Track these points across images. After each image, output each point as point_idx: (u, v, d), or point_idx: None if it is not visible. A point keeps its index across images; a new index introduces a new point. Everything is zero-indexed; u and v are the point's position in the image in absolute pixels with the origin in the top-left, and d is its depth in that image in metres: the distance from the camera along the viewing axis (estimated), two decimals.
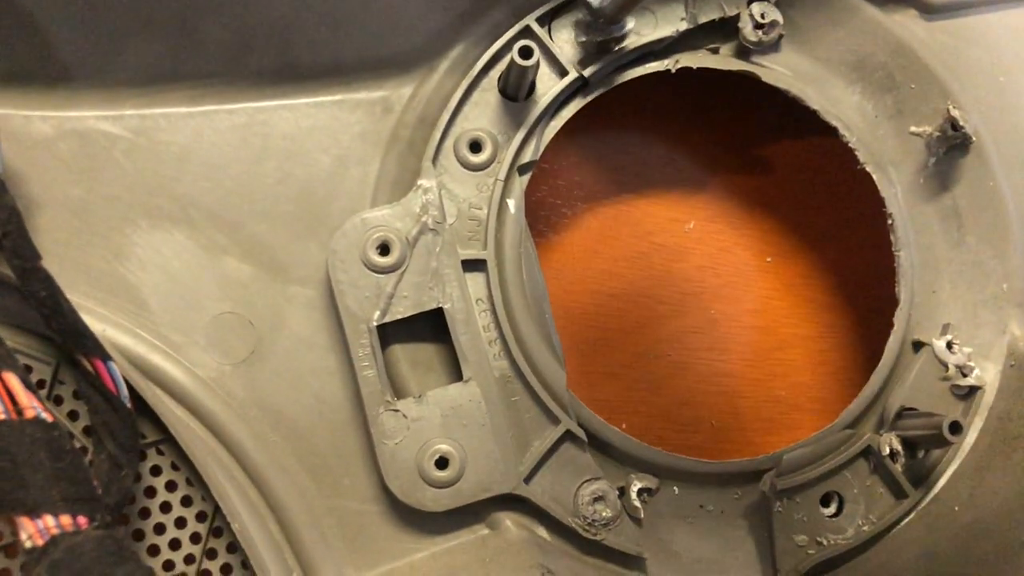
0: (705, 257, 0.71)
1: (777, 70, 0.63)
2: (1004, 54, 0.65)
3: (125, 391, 0.50)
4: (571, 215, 0.70)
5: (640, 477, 0.58)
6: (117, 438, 0.50)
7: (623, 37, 0.58)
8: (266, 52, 0.59)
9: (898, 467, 0.59)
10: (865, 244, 0.66)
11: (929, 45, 0.64)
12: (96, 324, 0.53)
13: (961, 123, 0.60)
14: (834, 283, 0.73)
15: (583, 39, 0.59)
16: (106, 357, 0.49)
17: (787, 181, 0.73)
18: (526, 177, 0.59)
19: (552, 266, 0.69)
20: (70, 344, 0.49)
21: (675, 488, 0.59)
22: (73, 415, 0.53)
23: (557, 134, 0.60)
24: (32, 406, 0.45)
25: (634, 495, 0.57)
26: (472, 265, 0.57)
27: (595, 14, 0.56)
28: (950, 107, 0.61)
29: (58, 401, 0.53)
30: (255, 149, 0.58)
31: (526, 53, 0.55)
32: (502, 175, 0.58)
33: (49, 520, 0.43)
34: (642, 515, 0.57)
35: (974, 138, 0.61)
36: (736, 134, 0.73)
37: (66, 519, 0.44)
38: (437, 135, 0.58)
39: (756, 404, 0.70)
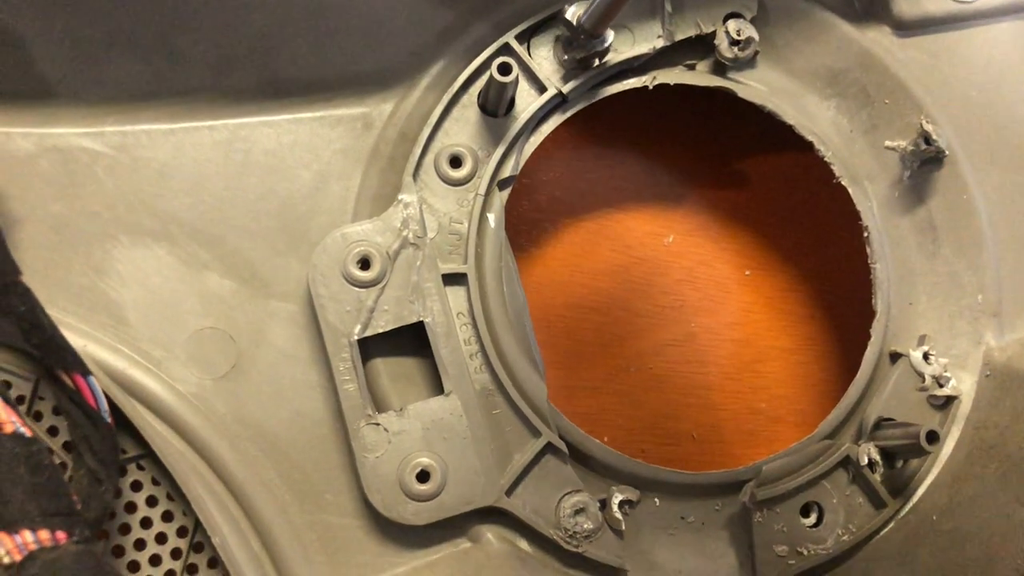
0: (684, 271, 0.72)
1: (753, 86, 0.64)
2: (975, 69, 0.66)
3: (105, 406, 0.50)
4: (552, 229, 0.71)
5: (621, 489, 0.58)
6: (97, 453, 0.50)
7: (602, 54, 0.59)
8: (247, 69, 0.60)
9: (876, 477, 0.59)
10: (843, 257, 0.67)
11: (902, 61, 0.65)
12: (77, 339, 0.53)
13: (934, 137, 0.61)
14: (813, 296, 0.73)
15: (562, 56, 0.59)
16: (86, 372, 0.49)
17: (765, 195, 0.74)
18: (506, 192, 0.59)
19: (534, 280, 0.70)
20: (50, 359, 0.49)
21: (656, 500, 0.59)
22: (53, 431, 0.52)
23: (538, 149, 0.61)
24: (11, 421, 0.45)
25: (615, 507, 0.57)
26: (453, 279, 0.57)
27: (573, 30, 0.57)
28: (923, 121, 0.62)
29: (38, 417, 0.52)
30: (236, 165, 0.58)
31: (505, 70, 0.55)
32: (482, 190, 0.58)
33: (27, 535, 0.43)
34: (623, 527, 0.57)
35: (947, 152, 0.62)
36: (714, 149, 0.73)
37: (44, 534, 0.43)
38: (418, 150, 0.58)
39: (736, 416, 0.70)
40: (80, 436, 0.50)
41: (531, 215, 0.70)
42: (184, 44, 0.59)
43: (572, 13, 0.57)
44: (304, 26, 0.61)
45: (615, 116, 0.63)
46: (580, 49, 0.59)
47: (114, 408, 0.51)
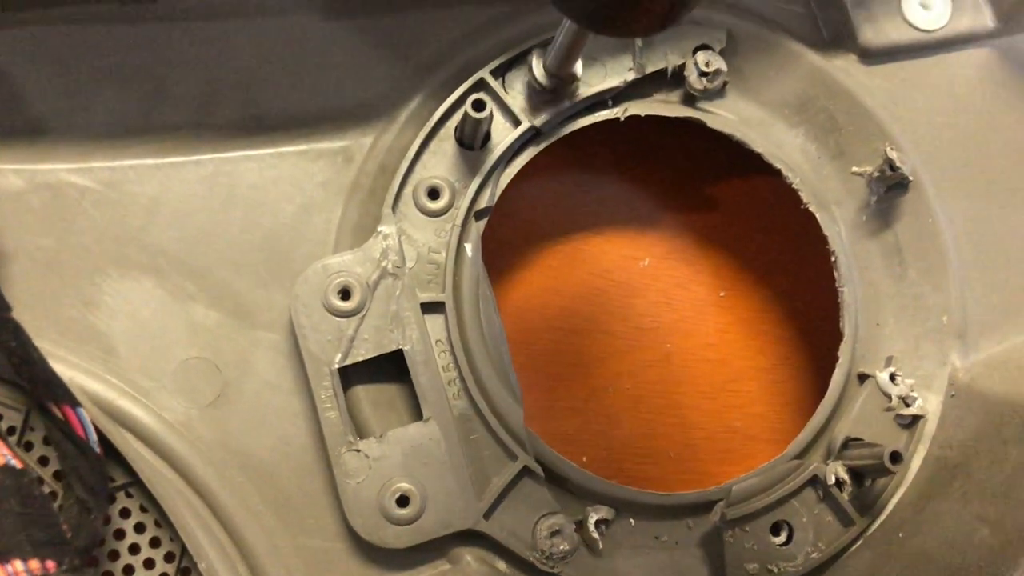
0: (660, 293, 0.73)
1: (723, 115, 0.66)
2: (939, 96, 0.68)
3: (94, 436, 0.51)
4: (530, 254, 0.73)
5: (596, 509, 0.59)
6: (86, 482, 0.51)
7: (573, 90, 0.61)
8: (231, 104, 0.62)
9: (844, 496, 0.61)
10: (814, 278, 0.69)
11: (869, 89, 0.67)
12: (66, 371, 0.55)
13: (898, 164, 0.63)
14: (786, 316, 0.75)
15: (535, 91, 0.61)
16: (75, 404, 0.51)
17: (737, 218, 0.76)
18: (483, 222, 0.61)
19: (512, 303, 0.71)
20: (40, 392, 0.51)
21: (631, 520, 0.61)
22: (43, 460, 0.54)
23: (516, 176, 0.62)
24: (2, 454, 0.47)
25: (592, 526, 0.59)
26: (431, 307, 0.59)
27: (540, 84, 0.59)
28: (887, 148, 0.64)
29: (28, 447, 0.54)
30: (221, 199, 0.60)
31: (479, 106, 0.57)
32: (459, 221, 0.60)
33: (18, 565, 0.45)
34: (601, 546, 0.59)
35: (911, 178, 0.64)
36: (687, 174, 0.75)
37: (35, 563, 0.45)
38: (396, 183, 0.60)
39: (713, 435, 0.72)
40: (70, 466, 0.51)
41: (509, 240, 0.72)
42: (171, 81, 0.61)
43: (536, 63, 0.59)
44: (285, 62, 0.63)
45: (590, 144, 0.65)
46: (552, 88, 0.60)
47: (103, 438, 0.52)
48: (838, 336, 0.64)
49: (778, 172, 0.64)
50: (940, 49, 0.68)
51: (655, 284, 0.73)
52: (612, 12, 0.40)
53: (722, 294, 0.75)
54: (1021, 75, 0.68)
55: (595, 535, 0.58)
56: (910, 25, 0.68)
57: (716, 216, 0.76)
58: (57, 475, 0.54)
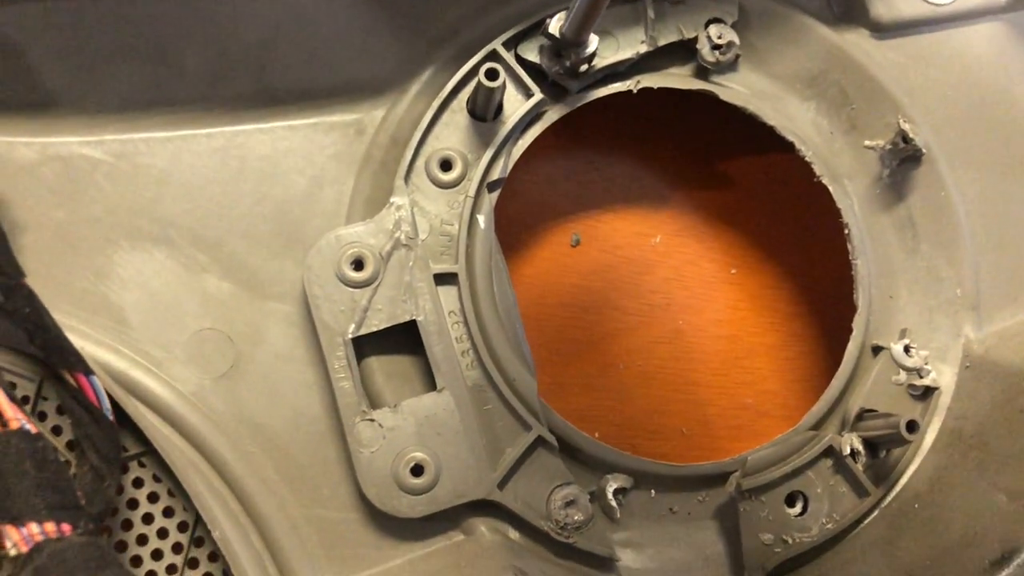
0: (672, 270, 0.73)
1: (735, 88, 0.65)
2: (951, 70, 0.68)
3: (108, 404, 0.51)
4: (542, 230, 0.72)
5: (615, 477, 0.59)
6: (100, 450, 0.51)
7: (587, 59, 0.61)
8: (243, 78, 0.62)
9: (859, 466, 0.61)
10: (826, 254, 0.69)
11: (880, 63, 0.67)
12: (79, 342, 0.54)
13: (911, 136, 0.63)
14: (797, 292, 0.75)
15: (548, 62, 0.61)
16: (88, 371, 0.51)
17: (749, 195, 0.76)
18: (495, 194, 0.61)
19: (524, 280, 0.71)
20: (53, 359, 0.51)
21: (651, 491, 0.61)
22: (56, 430, 0.54)
23: (526, 152, 0.62)
24: (17, 418, 0.47)
25: (610, 494, 0.59)
26: (444, 279, 0.59)
27: (557, 40, 0.59)
28: (900, 121, 0.64)
29: (42, 417, 0.54)
30: (232, 171, 0.60)
31: (492, 75, 0.57)
32: (472, 192, 0.60)
33: (34, 527, 0.44)
34: (618, 515, 0.59)
35: (924, 150, 0.64)
36: (698, 150, 0.75)
37: (50, 526, 0.45)
38: (409, 155, 0.60)
39: (725, 411, 0.72)
40: (83, 434, 0.51)
41: (521, 218, 0.72)
42: (181, 55, 0.61)
43: (555, 25, 0.59)
44: (296, 36, 0.63)
45: (602, 119, 0.65)
46: (565, 56, 0.60)
47: (116, 407, 0.52)
48: (849, 313, 0.64)
49: (791, 145, 0.64)
50: (951, 23, 0.68)
51: (666, 261, 0.73)
52: None
53: (733, 271, 0.75)
54: None
55: (613, 503, 0.58)
56: None
57: (727, 194, 0.76)
58: (70, 445, 0.53)
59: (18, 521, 0.44)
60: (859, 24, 0.68)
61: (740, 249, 0.75)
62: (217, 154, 0.60)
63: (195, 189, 0.59)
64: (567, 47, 0.60)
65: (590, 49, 0.60)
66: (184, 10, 0.62)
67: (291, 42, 0.63)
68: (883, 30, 0.68)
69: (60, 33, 0.60)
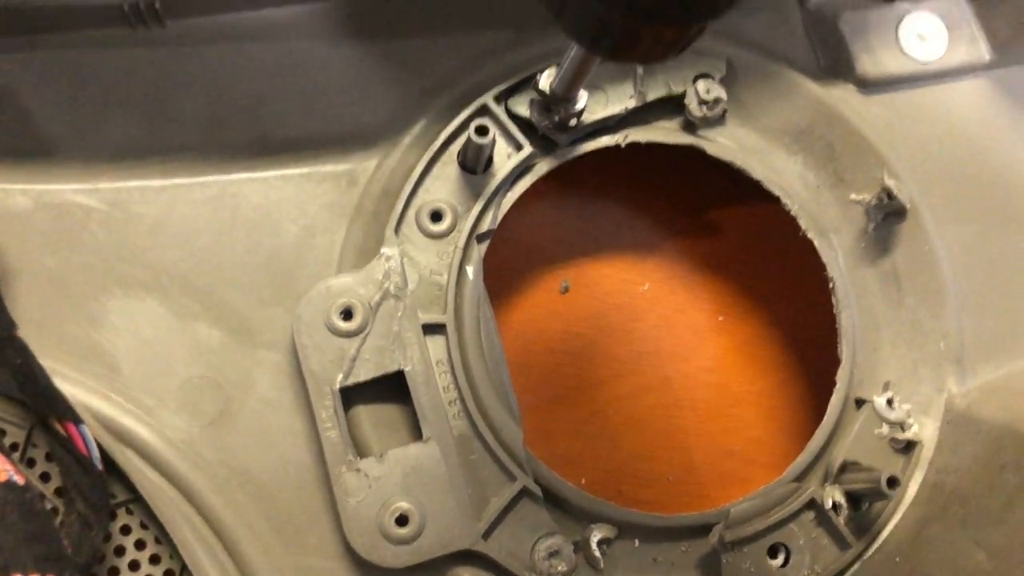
0: (660, 317, 0.74)
1: (722, 142, 0.66)
2: (936, 125, 0.69)
3: (96, 453, 0.52)
4: (532, 277, 0.73)
5: (600, 527, 0.60)
6: (87, 499, 0.52)
7: (576, 115, 0.62)
8: (238, 126, 0.63)
9: (841, 519, 0.61)
10: (812, 304, 0.69)
11: (866, 118, 0.68)
12: (70, 388, 0.55)
13: (895, 193, 0.64)
14: (784, 341, 0.76)
15: (538, 116, 0.62)
16: (78, 420, 0.52)
17: (737, 244, 0.76)
18: (484, 245, 0.62)
19: (513, 326, 0.72)
20: (43, 408, 0.51)
21: (635, 541, 0.61)
22: (45, 476, 0.54)
23: (518, 200, 0.63)
24: (5, 469, 0.47)
25: (594, 545, 0.59)
26: (432, 329, 0.60)
27: (547, 96, 0.60)
28: (885, 177, 0.65)
29: (31, 463, 0.54)
30: (225, 220, 0.61)
31: (482, 132, 0.58)
32: (461, 243, 0.61)
33: None
34: (602, 565, 0.59)
35: (908, 206, 0.65)
36: (687, 199, 0.76)
37: None
38: (400, 206, 0.61)
39: (711, 459, 0.72)
40: (71, 482, 0.52)
41: (511, 263, 0.73)
42: (178, 103, 0.63)
43: (544, 80, 0.60)
44: (292, 85, 0.64)
45: (591, 167, 0.65)
46: (555, 111, 0.61)
47: (104, 454, 0.53)
48: (835, 361, 0.64)
49: (777, 199, 0.65)
50: (937, 79, 0.69)
51: (655, 308, 0.74)
52: (618, 41, 0.41)
53: (721, 319, 0.75)
54: (1015, 105, 0.69)
55: (597, 553, 0.58)
56: (907, 56, 0.69)
57: (715, 242, 0.77)
58: (59, 491, 0.54)
59: (4, 573, 0.45)
60: (846, 80, 0.69)
61: (728, 297, 0.76)
62: (211, 203, 0.61)
63: (188, 237, 0.60)
64: (557, 102, 0.61)
65: (579, 105, 0.61)
66: (181, 59, 0.63)
67: (287, 91, 0.64)
68: (869, 85, 0.69)
69: (57, 82, 0.62)
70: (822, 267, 0.65)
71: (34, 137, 0.61)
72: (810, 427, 0.65)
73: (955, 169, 0.68)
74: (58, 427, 0.51)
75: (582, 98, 0.61)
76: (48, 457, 0.54)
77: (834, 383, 0.64)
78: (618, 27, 0.40)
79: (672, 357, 0.73)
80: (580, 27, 0.41)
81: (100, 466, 0.52)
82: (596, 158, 0.64)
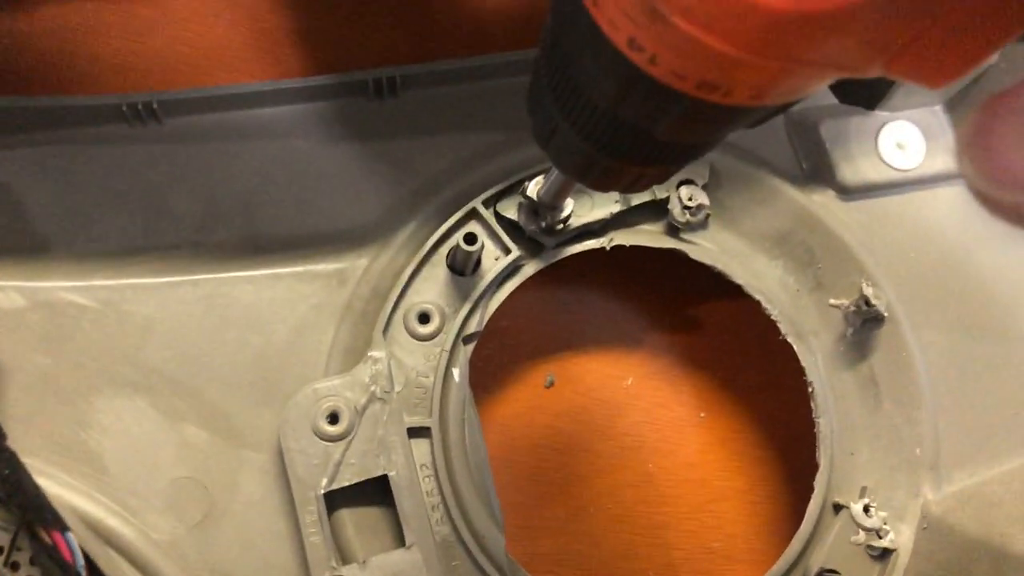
0: (643, 412, 0.75)
1: (704, 246, 0.68)
2: (915, 231, 0.71)
3: (81, 560, 0.52)
4: (516, 371, 0.74)
5: None
6: None
7: (563, 220, 0.63)
8: (231, 225, 0.64)
9: None
10: (792, 401, 0.70)
11: (846, 223, 0.69)
12: (56, 488, 0.56)
13: (873, 300, 0.65)
14: (764, 438, 0.77)
15: (526, 221, 0.63)
16: (64, 528, 0.52)
17: (719, 340, 0.78)
18: (470, 347, 0.63)
19: (498, 421, 0.73)
20: (29, 516, 0.52)
21: None
22: None
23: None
24: None
25: None
26: (417, 432, 0.60)
27: (534, 204, 0.61)
28: (864, 285, 0.66)
29: (15, 567, 0.55)
30: (216, 319, 0.62)
31: (471, 240, 0.60)
32: (448, 346, 0.62)
33: None
34: None
35: (886, 313, 0.66)
36: (670, 297, 0.78)
37: None
38: (388, 307, 0.62)
39: (691, 555, 0.73)
40: None
41: (495, 357, 0.74)
42: (173, 201, 0.64)
43: (532, 189, 0.61)
44: (285, 185, 0.65)
45: (576, 265, 0.67)
46: (542, 216, 0.63)
47: (89, 560, 0.53)
48: (814, 457, 0.65)
49: (758, 303, 0.67)
50: (915, 187, 0.71)
51: (638, 403, 0.75)
52: (602, 176, 0.42)
53: (703, 415, 0.76)
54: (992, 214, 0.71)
55: None
56: (886, 164, 0.71)
57: (698, 338, 0.78)
58: None
59: None
60: (827, 186, 0.70)
61: (710, 392, 0.77)
62: (202, 302, 0.62)
63: (179, 337, 0.61)
64: (544, 209, 0.62)
65: (566, 212, 0.63)
66: (177, 156, 0.65)
67: (280, 189, 0.65)
68: (849, 192, 0.70)
69: (53, 178, 0.63)
70: (801, 370, 0.67)
71: (29, 234, 0.62)
72: (789, 523, 0.66)
73: (932, 276, 0.70)
74: (44, 535, 0.52)
75: (568, 206, 0.63)
76: (31, 561, 0.55)
77: (811, 478, 0.65)
78: (603, 165, 0.41)
79: (654, 453, 0.74)
80: (566, 160, 0.43)
81: (84, 574, 0.52)
82: (581, 255, 0.66)
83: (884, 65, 0.27)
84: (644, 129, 0.35)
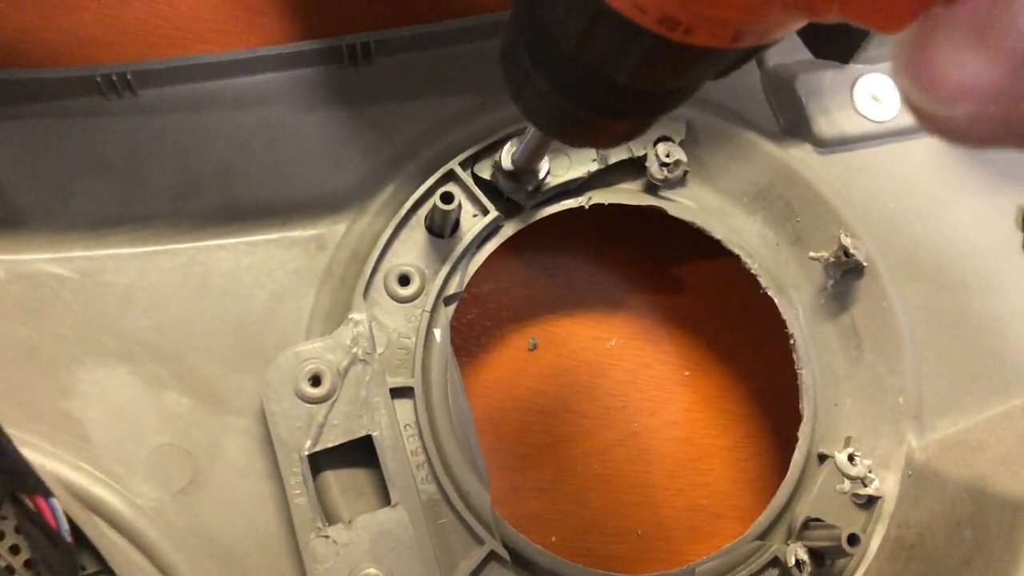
0: (627, 372, 0.75)
1: (683, 203, 0.68)
2: (891, 182, 0.71)
3: (66, 526, 0.52)
4: (499, 335, 0.74)
5: None
6: (56, 571, 0.52)
7: (540, 181, 0.63)
8: (208, 193, 0.64)
9: None
10: (775, 357, 0.70)
11: (823, 177, 0.70)
12: (40, 458, 0.56)
13: (852, 251, 0.66)
14: (749, 394, 0.77)
15: (503, 181, 0.63)
16: (47, 494, 0.52)
17: (701, 299, 0.78)
18: (451, 307, 0.63)
19: (482, 384, 0.73)
20: (12, 483, 0.52)
21: None
22: (15, 549, 0.55)
23: (485, 259, 0.64)
24: None
25: None
26: (400, 392, 0.61)
27: (508, 172, 0.61)
28: (842, 235, 0.66)
29: (0, 536, 0.55)
30: (195, 287, 0.62)
31: (447, 199, 0.60)
32: (429, 307, 0.62)
33: None
34: None
35: (865, 263, 0.66)
36: (651, 257, 0.78)
37: None
38: (368, 270, 0.62)
39: (679, 513, 0.73)
40: (40, 556, 0.52)
41: (478, 322, 0.74)
42: (149, 171, 0.64)
43: (506, 156, 0.61)
44: (262, 153, 0.65)
45: (557, 227, 0.67)
46: (519, 178, 0.63)
47: (74, 526, 0.53)
48: (798, 413, 0.66)
49: (737, 257, 0.67)
50: (890, 138, 0.71)
51: (621, 364, 0.75)
52: (575, 130, 0.42)
53: (687, 373, 0.77)
54: (966, 163, 0.72)
55: None
56: (862, 116, 0.71)
57: (680, 297, 0.78)
58: (27, 564, 0.54)
59: None
60: (803, 140, 0.71)
61: (693, 351, 0.77)
62: (181, 270, 0.62)
63: (158, 305, 0.61)
64: (521, 172, 0.62)
65: (542, 174, 0.63)
66: (153, 127, 0.64)
67: (257, 157, 0.65)
68: (826, 145, 0.71)
69: (30, 151, 0.63)
70: (784, 325, 0.67)
71: (6, 207, 0.61)
72: (775, 479, 0.66)
73: (909, 227, 0.70)
74: (27, 501, 0.52)
75: (544, 168, 0.63)
76: (17, 530, 0.55)
77: (795, 435, 0.65)
78: (573, 116, 0.41)
79: (639, 412, 0.75)
80: (539, 114, 0.43)
81: (69, 539, 0.52)
82: (562, 217, 0.66)
83: (839, 6, 0.27)
84: (610, 75, 0.35)
